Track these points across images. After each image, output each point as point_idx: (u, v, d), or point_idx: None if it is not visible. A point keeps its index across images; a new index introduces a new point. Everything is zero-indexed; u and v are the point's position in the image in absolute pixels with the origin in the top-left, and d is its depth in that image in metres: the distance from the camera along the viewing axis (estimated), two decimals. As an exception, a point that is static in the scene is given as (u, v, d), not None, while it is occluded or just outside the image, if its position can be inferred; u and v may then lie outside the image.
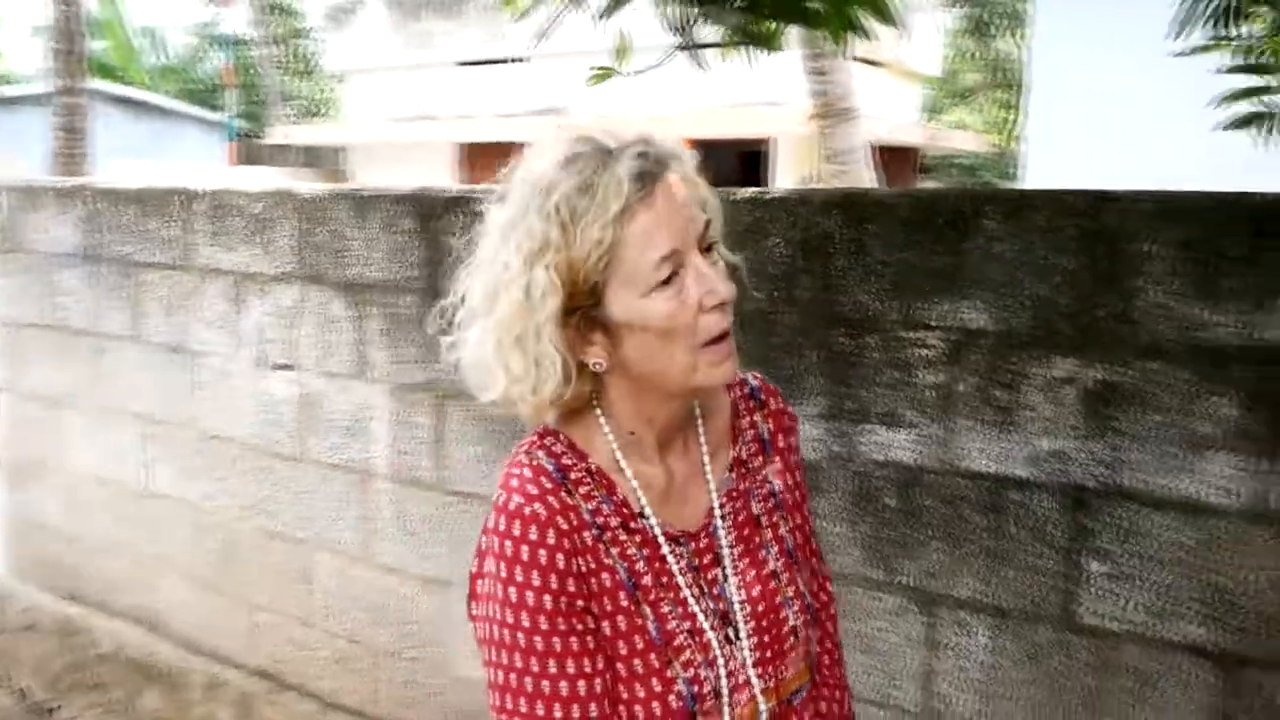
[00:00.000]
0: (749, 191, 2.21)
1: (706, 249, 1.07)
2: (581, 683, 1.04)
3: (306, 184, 2.94)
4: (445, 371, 2.65)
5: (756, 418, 1.22)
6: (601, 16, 2.02)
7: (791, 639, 1.16)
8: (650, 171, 1.02)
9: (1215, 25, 2.45)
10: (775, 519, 1.20)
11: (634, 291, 1.03)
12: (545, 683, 1.03)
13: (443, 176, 14.14)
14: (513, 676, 1.04)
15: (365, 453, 2.85)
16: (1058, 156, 8.14)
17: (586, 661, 1.04)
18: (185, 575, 3.37)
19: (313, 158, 18.55)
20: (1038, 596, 1.98)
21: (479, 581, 1.09)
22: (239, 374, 3.08)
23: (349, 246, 2.77)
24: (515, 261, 1.03)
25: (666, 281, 1.02)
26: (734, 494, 1.17)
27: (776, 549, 1.18)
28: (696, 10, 1.83)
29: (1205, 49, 2.57)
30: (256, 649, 3.21)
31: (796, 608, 1.17)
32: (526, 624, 1.03)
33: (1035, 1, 9.52)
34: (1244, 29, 2.67)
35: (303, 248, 2.87)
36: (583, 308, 1.04)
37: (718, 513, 1.15)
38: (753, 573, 1.15)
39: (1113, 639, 1.92)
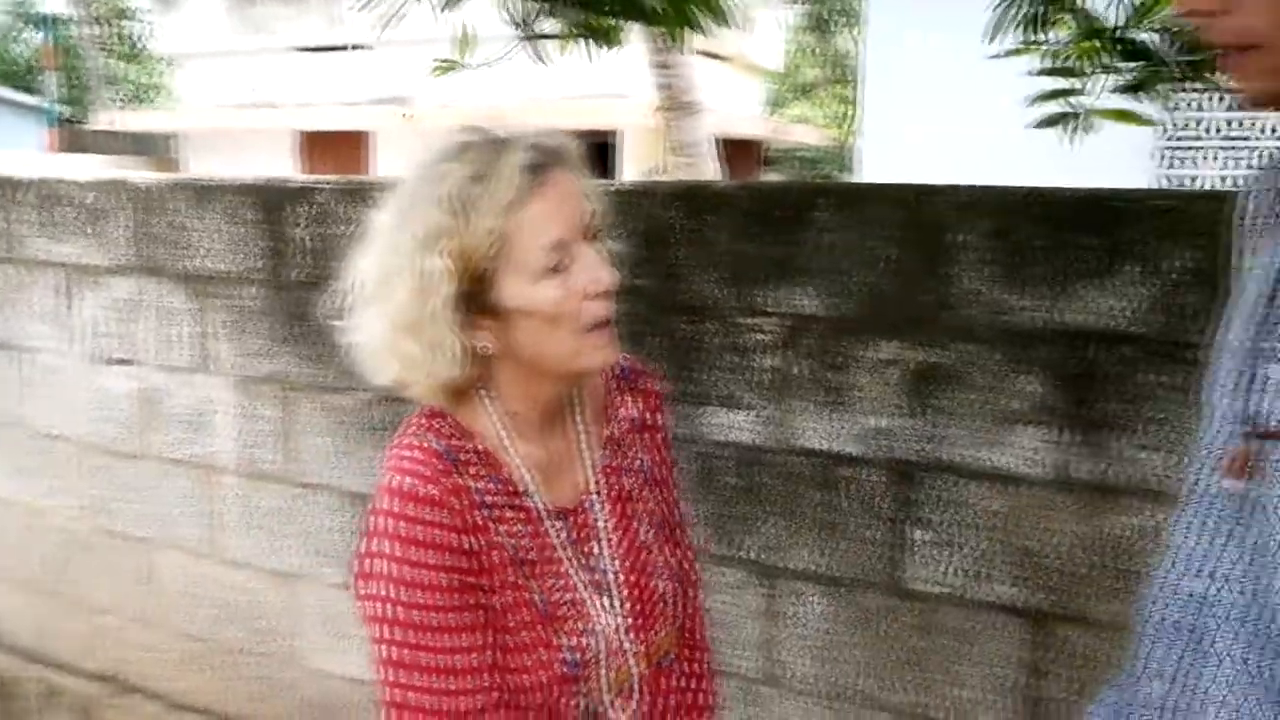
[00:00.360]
0: (595, 184, 2.27)
1: (592, 238, 1.12)
2: (474, 655, 1.08)
3: (142, 173, 2.86)
4: (292, 363, 2.63)
5: (628, 397, 1.28)
6: (444, 9, 2.04)
7: (661, 606, 1.23)
8: (541, 163, 1.07)
9: (1025, 31, 2.63)
10: (646, 493, 1.26)
11: (523, 278, 1.07)
12: (439, 657, 1.07)
13: (283, 165, 13.75)
14: (406, 652, 1.07)
15: (210, 447, 2.80)
16: (890, 150, 8.52)
17: (478, 635, 1.08)
18: (17, 581, 3.23)
19: (142, 145, 17.72)
20: (867, 565, 2.12)
21: (367, 561, 1.10)
22: (73, 370, 2.97)
23: (189, 238, 2.71)
24: (409, 248, 1.06)
25: (555, 269, 1.07)
26: (608, 470, 1.23)
27: (648, 522, 1.25)
28: (538, 5, 1.87)
29: (1016, 52, 2.75)
30: (97, 653, 3.11)
31: (666, 576, 1.24)
32: (421, 601, 1.06)
33: (866, 6, 9.91)
34: (1051, 34, 2.88)
35: (139, 239, 2.79)
36: (473, 293, 1.07)
37: (593, 489, 1.20)
38: (626, 544, 1.21)
39: (934, 601, 2.07)
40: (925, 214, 2.02)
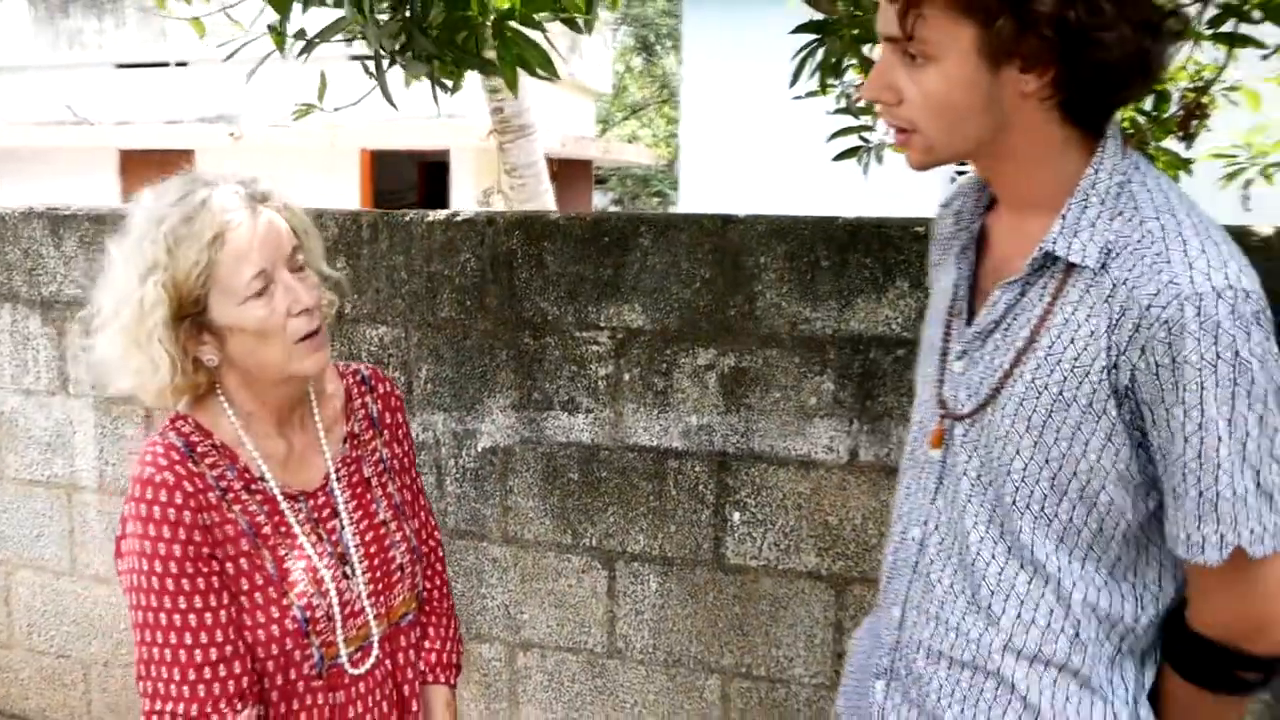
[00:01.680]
0: (442, 214, 2.51)
1: (297, 268, 1.35)
2: (209, 615, 1.28)
3: (-12, 203, 2.93)
4: (153, 384, 2.76)
5: (367, 400, 1.53)
6: (299, 56, 2.24)
7: (399, 574, 1.47)
8: (241, 207, 1.29)
9: (822, 75, 2.99)
10: (385, 480, 1.50)
11: (232, 301, 1.29)
12: (180, 616, 1.27)
13: (102, 185, 13.27)
14: (154, 615, 1.27)
15: (70, 467, 2.89)
16: (708, 175, 8.98)
17: (213, 598, 1.28)
18: None
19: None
20: (694, 545, 2.42)
21: (121, 543, 1.32)
22: (-81, 397, 3.00)
23: (44, 264, 2.81)
24: (133, 279, 1.28)
25: (259, 294, 1.30)
26: (348, 460, 1.46)
27: (386, 504, 1.49)
28: (389, 62, 2.10)
29: (814, 94, 3.12)
30: (-53, 679, 3.13)
31: (403, 549, 1.48)
32: (160, 570, 1.26)
33: (683, 31, 10.38)
34: (845, 79, 3.27)
35: (-10, 267, 2.86)
36: (190, 314, 1.29)
37: (333, 475, 1.43)
38: (365, 522, 1.45)
39: (752, 573, 2.40)
40: (731, 240, 2.35)
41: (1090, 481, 1.08)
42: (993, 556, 1.15)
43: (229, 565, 1.31)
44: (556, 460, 2.49)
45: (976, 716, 1.17)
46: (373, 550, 1.44)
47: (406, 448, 1.56)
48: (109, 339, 1.31)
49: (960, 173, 8.95)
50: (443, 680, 1.57)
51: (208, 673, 1.27)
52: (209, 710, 1.27)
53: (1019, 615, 1.15)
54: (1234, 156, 3.93)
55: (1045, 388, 1.08)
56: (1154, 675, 1.18)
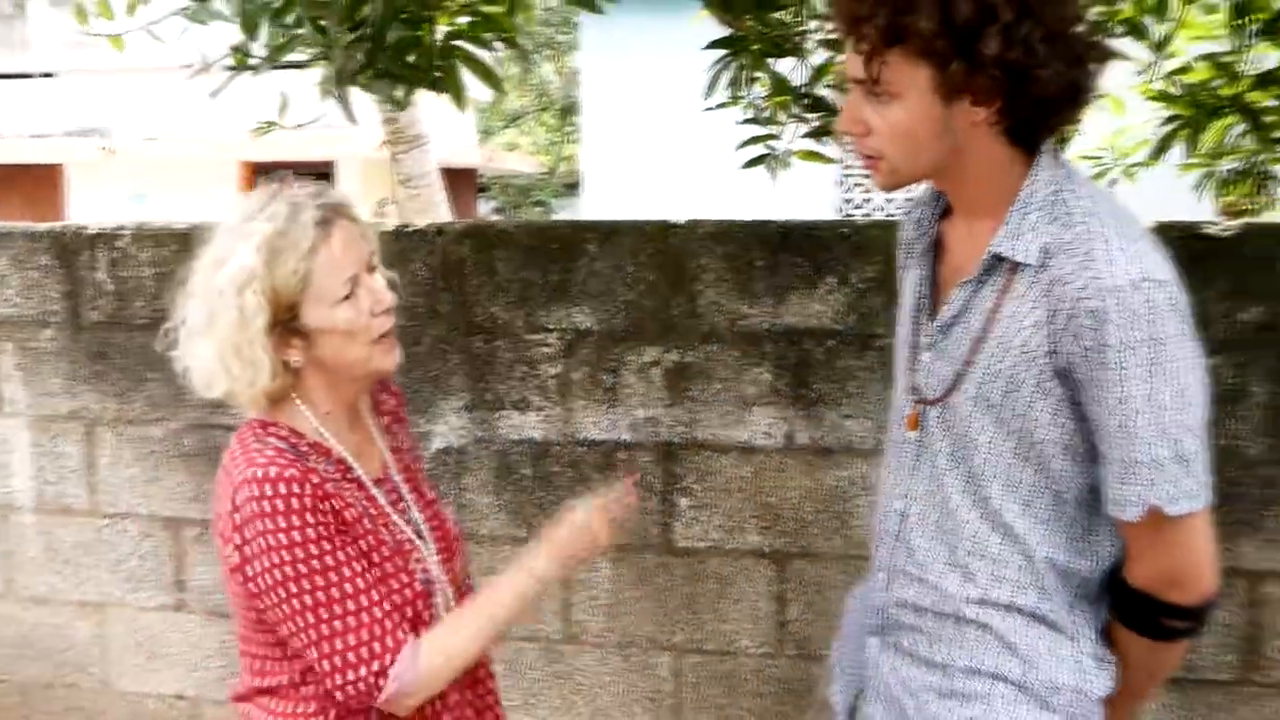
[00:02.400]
0: (391, 225, 2.61)
1: (372, 270, 1.48)
2: (361, 579, 1.39)
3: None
4: (94, 399, 2.78)
5: (385, 396, 1.66)
6: (256, 73, 2.32)
7: (458, 544, 1.62)
8: (328, 217, 1.41)
9: (732, 88, 3.18)
10: (416, 465, 1.66)
11: (324, 304, 1.40)
12: (348, 585, 1.37)
13: (-40, 203, 12.67)
14: (323, 594, 1.36)
15: (4, 487, 2.87)
16: (614, 181, 9.15)
17: (359, 564, 1.39)
18: None
19: None
20: (644, 531, 2.58)
21: (246, 548, 1.38)
22: None
23: (-27, 285, 2.79)
24: (229, 290, 1.38)
25: (347, 296, 1.41)
26: (393, 449, 1.60)
27: (428, 484, 1.64)
28: (352, 83, 2.20)
29: (723, 106, 3.30)
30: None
31: (454, 520, 1.64)
32: (314, 551, 1.36)
33: (581, 43, 10.51)
34: (753, 91, 3.46)
35: (-85, 288, 2.83)
36: (284, 320, 1.40)
37: (391, 464, 1.56)
38: (422, 502, 1.58)
39: (700, 554, 2.56)
40: (673, 244, 2.51)
41: (1044, 451, 1.26)
42: (968, 521, 1.32)
43: (361, 542, 1.42)
44: (509, 458, 2.61)
45: (962, 656, 1.35)
46: (435, 525, 1.57)
47: (412, 441, 1.70)
48: (202, 348, 1.40)
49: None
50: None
51: (386, 622, 1.38)
52: (392, 642, 1.37)
53: (993, 572, 1.32)
54: (1100, 158, 4.28)
55: (1000, 372, 1.26)
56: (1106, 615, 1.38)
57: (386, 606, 1.39)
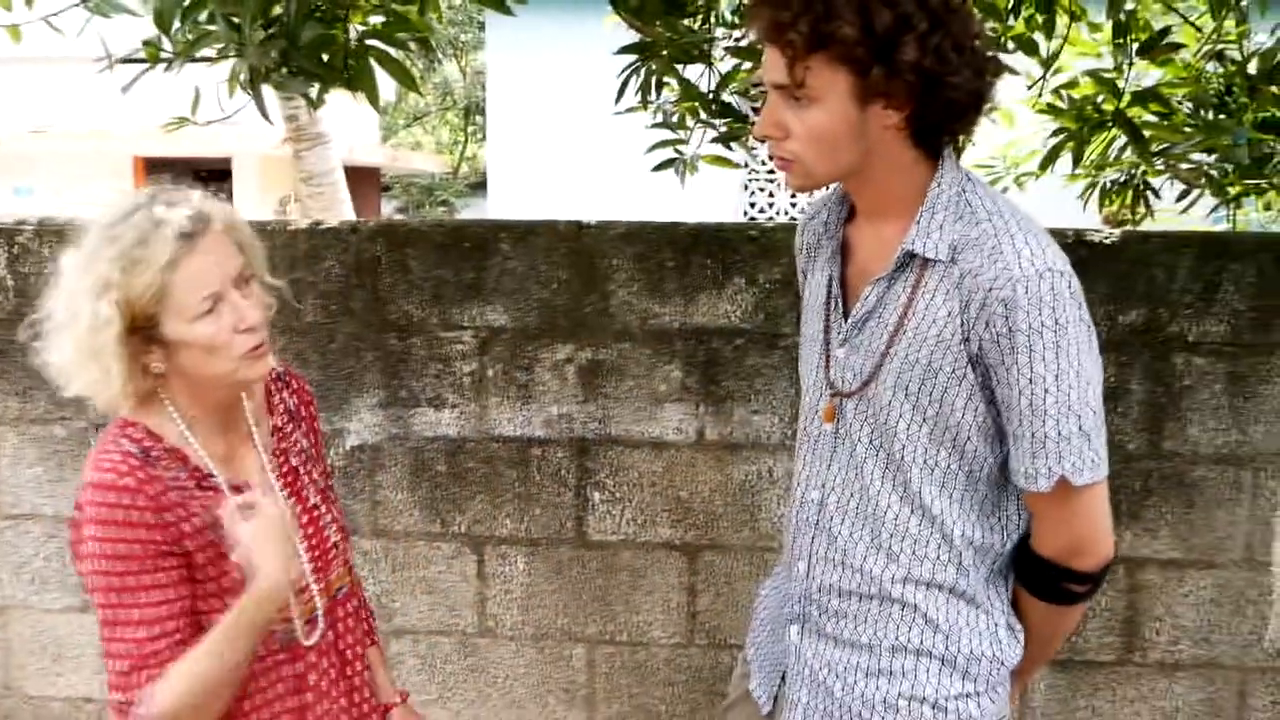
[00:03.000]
0: (305, 223, 2.61)
1: (244, 283, 1.46)
2: (165, 607, 1.39)
3: None
4: (-5, 399, 2.71)
5: (285, 395, 1.66)
6: (168, 69, 2.30)
7: (334, 551, 1.61)
8: (193, 230, 1.40)
9: (642, 93, 3.24)
10: (310, 468, 1.64)
11: (183, 319, 1.40)
12: (136, 611, 1.37)
13: None
14: (118, 611, 1.37)
15: (-102, 490, 2.78)
16: (520, 182, 9.15)
17: (172, 589, 1.39)
18: None
19: None
20: (558, 525, 2.63)
21: (80, 547, 1.40)
22: None
23: None
24: (87, 294, 1.37)
25: (209, 312, 1.41)
26: (276, 452, 1.59)
27: (313, 489, 1.62)
28: (266, 80, 2.20)
29: (633, 110, 3.37)
30: None
31: (335, 528, 1.63)
32: (120, 568, 1.37)
33: (487, 42, 10.48)
34: (663, 95, 3.54)
35: None
36: (143, 328, 1.40)
37: (267, 467, 1.56)
38: (299, 507, 1.58)
39: (613, 547, 2.62)
40: (585, 244, 2.57)
41: (959, 434, 1.36)
42: (889, 505, 1.41)
43: (199, 555, 1.41)
44: (424, 454, 2.63)
45: (888, 635, 1.43)
46: (309, 531, 1.57)
47: (316, 438, 1.69)
48: (62, 345, 1.39)
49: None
50: (370, 642, 1.72)
51: (165, 654, 1.37)
52: (145, 678, 1.37)
53: (914, 552, 1.41)
54: (992, 167, 4.47)
55: (916, 361, 1.35)
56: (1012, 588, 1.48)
57: (163, 642, 1.38)
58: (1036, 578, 1.43)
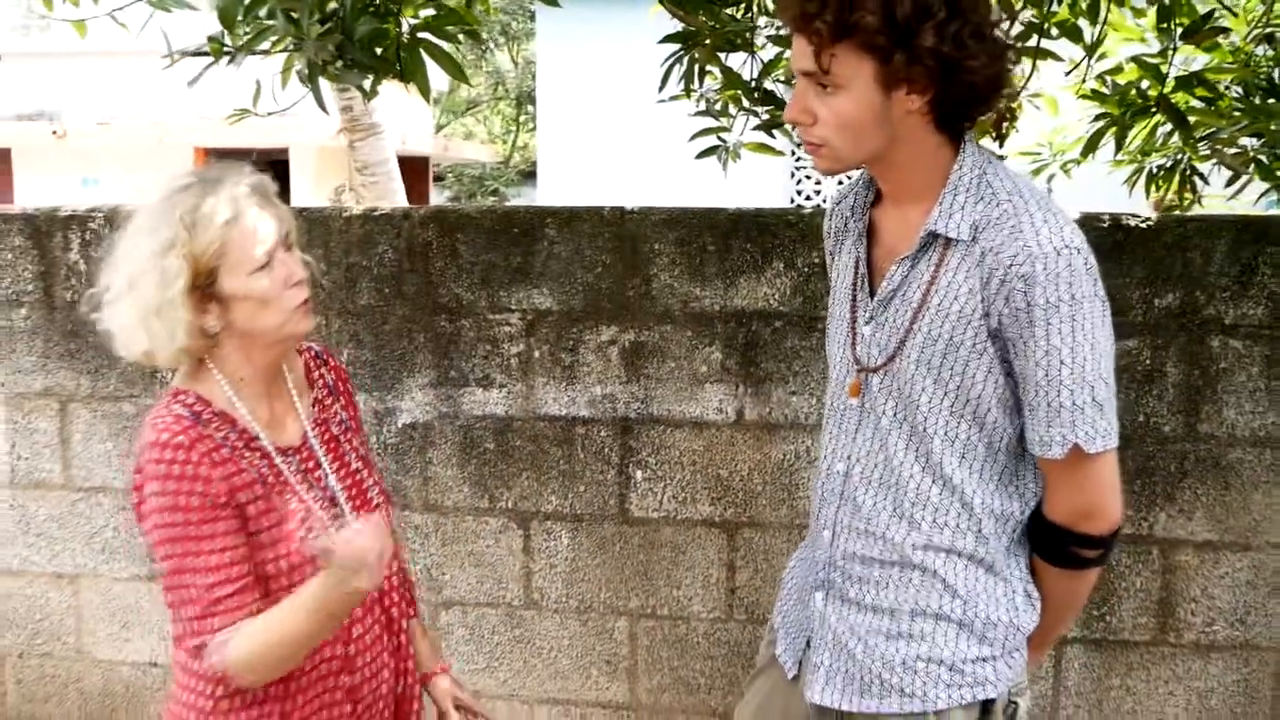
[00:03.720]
0: (359, 210, 2.72)
1: (289, 248, 1.59)
2: (231, 551, 1.49)
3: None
4: (69, 377, 2.86)
5: (323, 371, 1.78)
6: (230, 62, 2.42)
7: (378, 512, 1.71)
8: (247, 194, 1.54)
9: (685, 81, 3.31)
10: (349, 437, 1.75)
11: (241, 272, 1.52)
12: (200, 559, 1.47)
13: (-95, 186, 12.49)
14: (185, 558, 1.47)
15: (-22, 464, 2.94)
16: (569, 170, 9.26)
17: (229, 539, 1.49)
18: None
19: None
20: (601, 502, 2.72)
21: (142, 505, 1.51)
22: None
23: (-51, 265, 2.86)
24: (153, 255, 1.49)
25: (263, 266, 1.53)
26: (318, 421, 1.70)
27: (354, 455, 1.74)
28: (323, 73, 2.31)
29: (676, 98, 3.43)
30: None
31: (377, 490, 1.74)
32: (181, 519, 1.47)
33: (537, 32, 10.58)
34: (705, 84, 3.60)
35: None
36: (202, 286, 1.51)
37: (310, 433, 1.67)
38: (343, 471, 1.69)
39: (655, 524, 2.71)
40: (629, 229, 2.65)
41: (979, 406, 1.42)
42: (911, 475, 1.47)
43: (250, 508, 1.52)
44: (473, 432, 2.73)
45: (908, 600, 1.49)
46: (354, 493, 1.68)
47: (354, 412, 1.81)
48: (124, 310, 1.50)
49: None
50: (412, 614, 1.82)
51: (234, 599, 1.48)
52: (218, 623, 1.47)
53: (934, 520, 1.47)
54: (1038, 154, 4.48)
55: (939, 336, 1.41)
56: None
57: (228, 589, 1.47)
58: (1049, 543, 1.48)
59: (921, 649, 1.49)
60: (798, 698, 1.61)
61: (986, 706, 1.49)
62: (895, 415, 1.48)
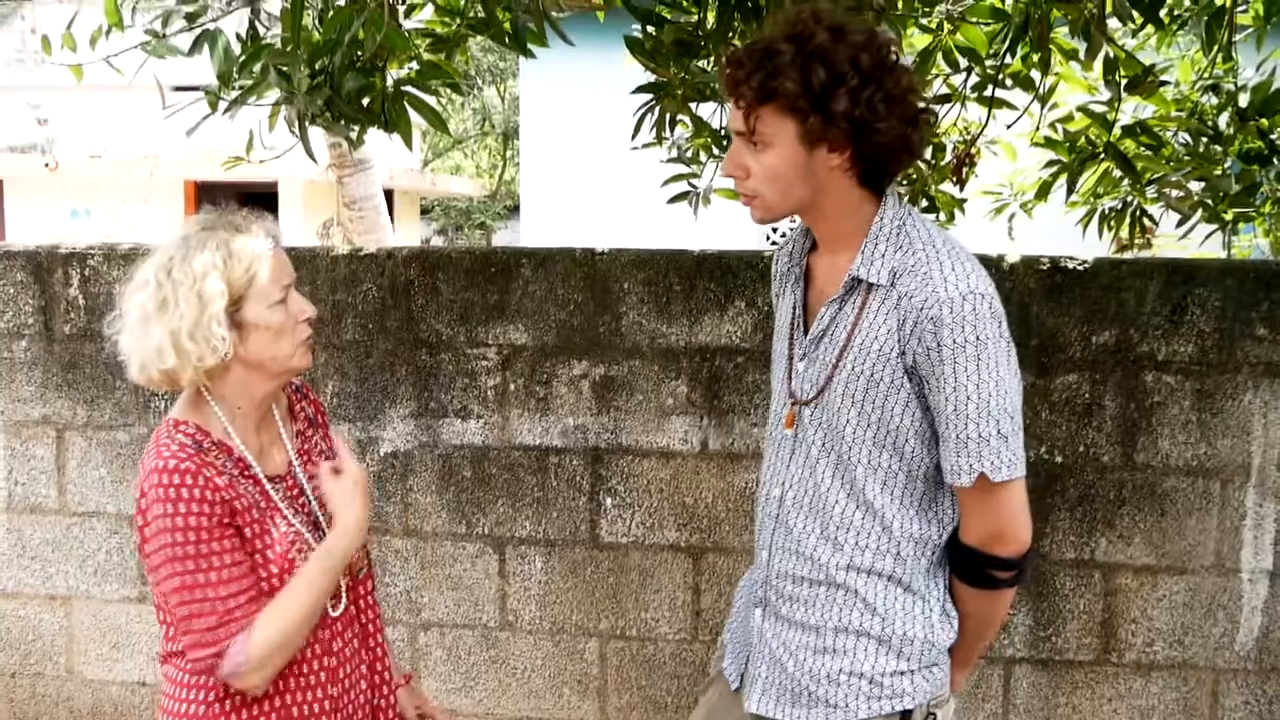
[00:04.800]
0: (345, 249, 2.87)
1: (295, 287, 1.76)
2: (235, 568, 1.63)
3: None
4: (66, 406, 2.99)
5: (303, 405, 1.93)
6: (226, 112, 2.58)
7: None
8: (272, 235, 1.72)
9: (657, 129, 3.47)
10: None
11: (264, 303, 1.68)
12: (213, 574, 1.61)
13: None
14: (196, 575, 1.61)
15: (-24, 490, 3.06)
16: (551, 205, 9.44)
17: (235, 555, 1.63)
18: None
19: None
20: (573, 528, 2.86)
21: (147, 529, 1.63)
22: None
23: (-48, 300, 2.99)
24: (189, 279, 1.63)
25: (281, 300, 1.70)
26: (301, 451, 1.85)
27: None
28: (313, 123, 2.47)
29: (649, 145, 3.60)
30: None
31: None
32: (193, 539, 1.60)
33: (520, 70, 10.79)
34: (676, 133, 3.77)
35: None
36: (230, 313, 1.65)
37: (295, 463, 1.82)
38: (322, 499, 1.81)
39: (623, 549, 2.85)
40: (599, 269, 2.81)
41: (898, 437, 1.57)
42: (836, 500, 1.62)
43: (246, 530, 1.66)
44: (451, 461, 2.88)
45: (832, 618, 1.64)
46: (332, 519, 1.81)
47: (330, 444, 1.95)
48: (155, 329, 1.63)
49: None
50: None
51: (249, 607, 1.62)
52: (235, 628, 1.60)
53: (856, 542, 1.61)
54: (1000, 194, 4.67)
55: (861, 372, 1.57)
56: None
57: (241, 599, 1.61)
58: (965, 565, 1.63)
59: (844, 663, 1.63)
60: (740, 708, 1.75)
61: (905, 716, 1.63)
62: (824, 445, 1.62)
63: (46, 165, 11.19)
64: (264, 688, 1.65)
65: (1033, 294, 2.71)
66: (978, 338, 1.49)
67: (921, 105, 1.59)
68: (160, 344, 1.63)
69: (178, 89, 2.79)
